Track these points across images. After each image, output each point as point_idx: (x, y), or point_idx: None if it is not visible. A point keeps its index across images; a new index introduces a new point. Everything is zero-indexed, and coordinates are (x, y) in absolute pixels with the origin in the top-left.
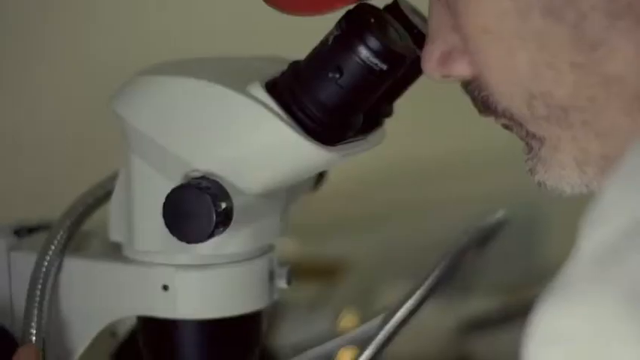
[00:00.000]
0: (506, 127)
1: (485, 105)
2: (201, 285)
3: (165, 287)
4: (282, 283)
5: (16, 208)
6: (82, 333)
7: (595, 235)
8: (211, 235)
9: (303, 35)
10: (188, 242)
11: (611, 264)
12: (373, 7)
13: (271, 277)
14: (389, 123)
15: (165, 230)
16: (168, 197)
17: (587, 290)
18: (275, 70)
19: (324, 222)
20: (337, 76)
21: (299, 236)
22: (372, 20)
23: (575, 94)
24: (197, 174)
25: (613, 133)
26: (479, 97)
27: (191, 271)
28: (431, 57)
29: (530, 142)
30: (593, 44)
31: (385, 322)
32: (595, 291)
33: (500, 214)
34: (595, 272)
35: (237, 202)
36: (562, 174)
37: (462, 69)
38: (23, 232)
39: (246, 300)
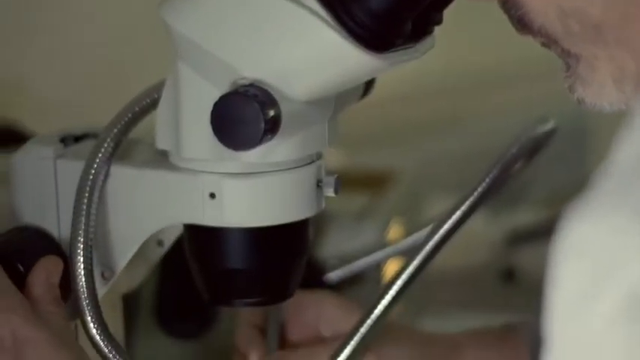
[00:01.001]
0: (544, 45)
1: (521, 23)
2: (248, 193)
3: (212, 195)
4: (329, 192)
5: (63, 116)
6: (129, 241)
7: (626, 150)
8: (259, 143)
9: None
10: (236, 150)
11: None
12: None
13: (319, 185)
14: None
15: (213, 138)
16: (216, 105)
17: (614, 204)
18: None
19: (373, 132)
20: None
21: (347, 146)
22: None
23: (607, 11)
24: (245, 81)
25: None
26: (515, 15)
27: (238, 179)
28: None
29: (568, 60)
30: None
31: (433, 232)
32: (622, 205)
33: (549, 124)
34: (623, 186)
35: (285, 109)
36: (600, 91)
37: None
38: (69, 140)
39: (294, 208)
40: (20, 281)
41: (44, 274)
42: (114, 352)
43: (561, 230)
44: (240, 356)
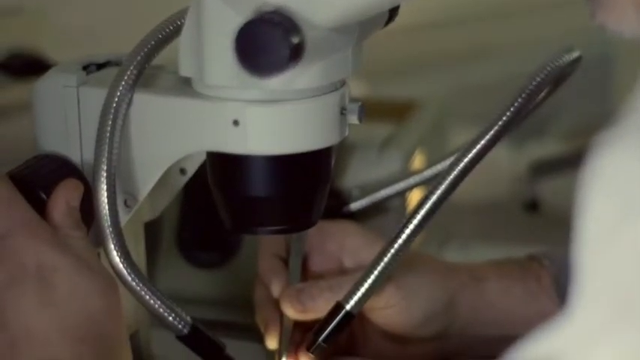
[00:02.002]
0: None
1: None
2: (271, 120)
3: (235, 122)
4: (353, 119)
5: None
6: (152, 169)
7: None
8: (283, 70)
9: None
10: (259, 77)
11: None
12: None
13: (342, 113)
14: None
15: (236, 65)
16: (239, 31)
17: None
18: None
19: (397, 61)
20: None
21: (370, 76)
22: None
23: None
24: (269, 7)
25: None
26: None
27: (262, 106)
28: None
29: None
30: None
31: (456, 162)
32: None
33: (574, 53)
34: None
35: (308, 36)
36: (621, 17)
37: None
38: (92, 68)
39: (317, 136)
40: (42, 209)
41: (64, 198)
42: (137, 281)
43: (590, 161)
44: (261, 286)
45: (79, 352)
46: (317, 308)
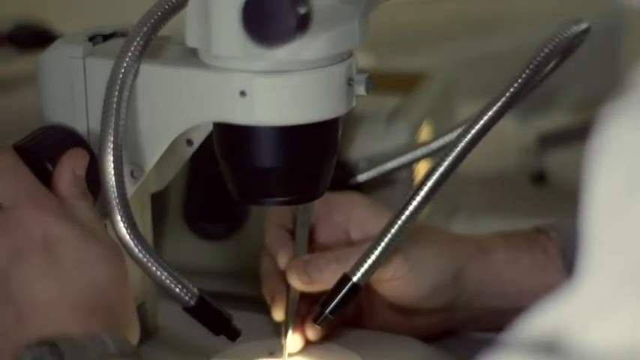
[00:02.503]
0: None
1: None
2: (279, 91)
3: (242, 93)
4: (360, 90)
5: (91, 15)
6: (158, 140)
7: None
8: (290, 40)
9: None
10: (266, 47)
11: None
12: None
13: (350, 84)
14: None
15: (243, 35)
16: (246, 1)
17: None
18: None
19: (404, 33)
20: None
21: (378, 47)
22: None
23: None
24: None
25: None
26: None
27: (269, 76)
28: None
29: None
30: None
31: (464, 133)
32: None
33: (583, 24)
34: None
35: (316, 5)
36: None
37: None
38: (98, 39)
39: (324, 107)
40: (48, 180)
41: (70, 167)
42: (143, 252)
43: (598, 133)
44: (268, 258)
45: (87, 323)
46: (324, 280)
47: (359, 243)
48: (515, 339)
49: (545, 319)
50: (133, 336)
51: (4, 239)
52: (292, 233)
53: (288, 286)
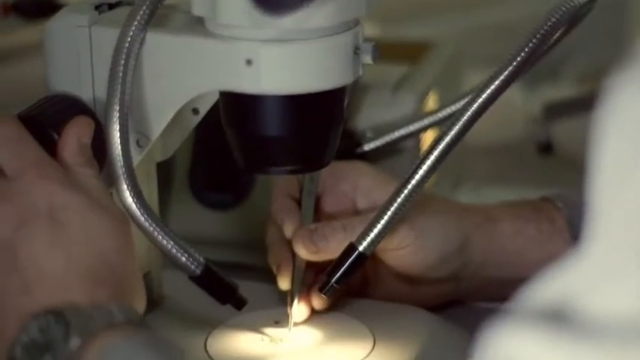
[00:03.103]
0: None
1: None
2: (285, 59)
3: (248, 62)
4: (367, 59)
5: None
6: (164, 109)
7: None
8: (296, 8)
9: None
10: (273, 15)
11: None
12: None
13: (356, 52)
14: None
15: (250, 3)
16: None
17: None
18: None
19: (410, 2)
20: None
21: (384, 17)
22: None
23: None
24: None
25: None
26: None
27: (275, 45)
28: None
29: None
30: None
31: (470, 103)
32: None
33: None
34: None
35: None
36: None
37: None
38: (104, 7)
39: (330, 75)
40: (54, 148)
41: (75, 135)
42: (149, 221)
43: (604, 103)
44: (274, 227)
45: (93, 293)
46: (330, 249)
47: (365, 212)
48: (521, 307)
49: (551, 288)
50: (139, 305)
51: (8, 208)
52: (299, 202)
53: (293, 255)
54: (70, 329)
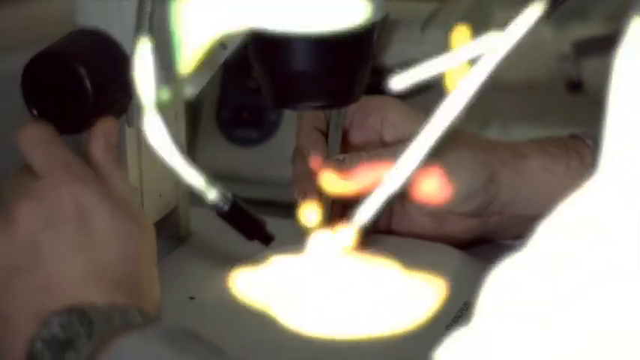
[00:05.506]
0: None
1: None
2: None
3: None
4: None
5: None
6: (192, 44)
7: None
8: None
9: None
10: None
11: None
12: None
13: None
14: None
15: None
16: None
17: None
18: None
19: None
20: None
21: None
22: None
23: None
24: None
25: None
26: None
27: None
28: None
29: None
30: None
31: (500, 39)
32: None
33: None
34: None
35: None
36: None
37: None
38: None
39: (359, 12)
40: (80, 85)
41: (102, 137)
42: (177, 156)
43: (627, 33)
44: (300, 159)
45: (112, 295)
46: (357, 178)
47: (392, 145)
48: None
49: (574, 213)
50: (153, 312)
51: (36, 206)
52: (325, 135)
53: (319, 188)
54: (93, 327)
